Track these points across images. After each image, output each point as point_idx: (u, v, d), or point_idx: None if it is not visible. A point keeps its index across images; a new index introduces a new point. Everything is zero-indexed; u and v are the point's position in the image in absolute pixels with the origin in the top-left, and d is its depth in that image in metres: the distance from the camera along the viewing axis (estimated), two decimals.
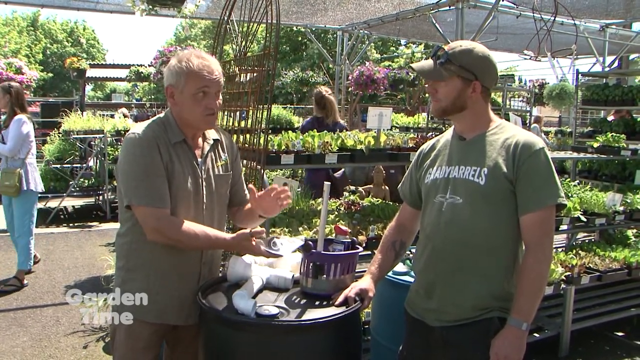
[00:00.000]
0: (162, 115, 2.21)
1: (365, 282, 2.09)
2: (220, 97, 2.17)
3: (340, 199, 4.46)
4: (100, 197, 9.55)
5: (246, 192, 2.43)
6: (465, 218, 1.93)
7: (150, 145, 2.05)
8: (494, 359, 1.86)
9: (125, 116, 10.99)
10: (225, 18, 3.84)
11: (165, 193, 2.05)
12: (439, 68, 1.96)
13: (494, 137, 1.97)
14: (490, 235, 1.91)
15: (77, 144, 9.43)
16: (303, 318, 1.92)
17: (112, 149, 8.97)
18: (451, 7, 7.06)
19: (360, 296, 2.03)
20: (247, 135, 3.55)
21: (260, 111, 3.37)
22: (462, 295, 1.94)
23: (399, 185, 2.33)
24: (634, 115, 7.56)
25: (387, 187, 5.75)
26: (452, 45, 2.00)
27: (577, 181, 5.37)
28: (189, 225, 2.06)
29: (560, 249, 4.90)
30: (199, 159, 2.20)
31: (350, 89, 10.61)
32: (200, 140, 2.24)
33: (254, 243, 2.07)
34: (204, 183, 2.19)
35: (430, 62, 2.01)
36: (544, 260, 1.89)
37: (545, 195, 1.86)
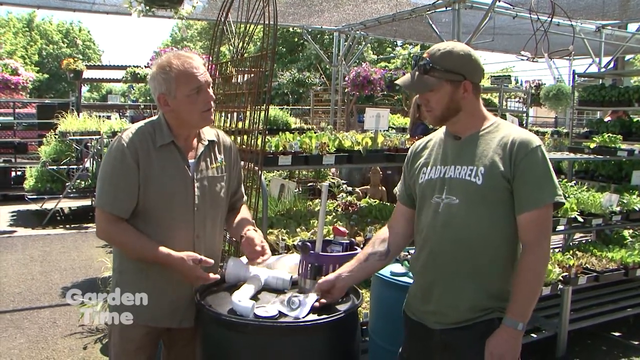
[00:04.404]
0: (155, 118, 2.21)
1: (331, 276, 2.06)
2: (211, 90, 2.17)
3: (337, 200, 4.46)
4: None
5: (240, 198, 2.45)
6: (462, 219, 1.91)
7: (126, 151, 2.06)
8: (488, 358, 1.85)
9: None
10: (222, 19, 3.84)
11: (125, 201, 2.07)
12: (424, 77, 1.93)
13: (490, 135, 1.95)
14: (488, 235, 1.89)
15: (74, 145, 9.40)
16: (301, 319, 1.91)
17: None
18: (448, 8, 7.08)
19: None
20: (245, 137, 3.55)
21: (258, 112, 3.37)
22: (461, 297, 1.92)
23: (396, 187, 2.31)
24: (630, 115, 7.58)
25: (384, 188, 5.76)
26: (430, 51, 1.96)
27: (574, 182, 5.39)
28: (137, 236, 2.07)
29: (557, 250, 4.91)
30: (191, 160, 2.19)
31: (346, 90, 10.61)
32: (195, 141, 2.24)
33: (197, 269, 2.05)
34: (196, 184, 2.17)
35: (413, 74, 1.97)
36: (542, 260, 1.87)
37: (542, 194, 1.84)
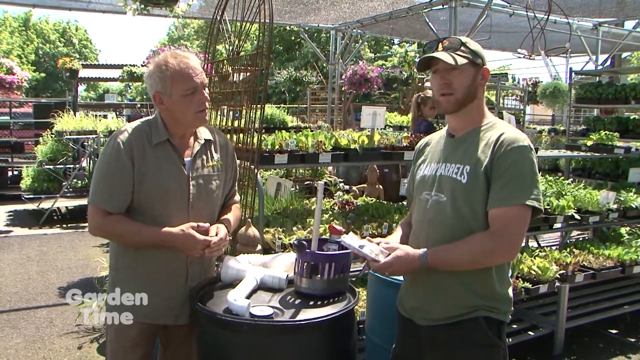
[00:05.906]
0: (151, 117, 2.23)
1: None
2: (207, 91, 2.17)
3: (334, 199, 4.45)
4: None
5: (232, 196, 2.44)
6: (447, 216, 1.91)
7: (121, 149, 2.08)
8: (390, 258, 1.85)
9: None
10: (218, 17, 3.83)
11: (120, 199, 2.09)
12: (455, 53, 1.89)
13: (483, 134, 1.94)
14: (473, 233, 1.87)
15: (70, 144, 9.37)
16: (297, 318, 1.91)
17: None
18: (444, 6, 7.08)
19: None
20: (241, 135, 3.54)
21: (254, 111, 3.36)
22: (446, 294, 1.92)
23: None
24: (625, 113, 7.59)
25: (381, 186, 5.74)
26: (450, 38, 1.96)
27: (571, 179, 5.38)
28: (132, 222, 2.09)
29: (554, 247, 4.91)
30: (187, 159, 2.20)
31: (343, 88, 10.61)
32: (191, 140, 2.25)
33: (198, 237, 2.07)
34: (191, 182, 2.19)
35: (444, 50, 1.93)
36: (495, 251, 1.82)
37: (515, 194, 1.80)
